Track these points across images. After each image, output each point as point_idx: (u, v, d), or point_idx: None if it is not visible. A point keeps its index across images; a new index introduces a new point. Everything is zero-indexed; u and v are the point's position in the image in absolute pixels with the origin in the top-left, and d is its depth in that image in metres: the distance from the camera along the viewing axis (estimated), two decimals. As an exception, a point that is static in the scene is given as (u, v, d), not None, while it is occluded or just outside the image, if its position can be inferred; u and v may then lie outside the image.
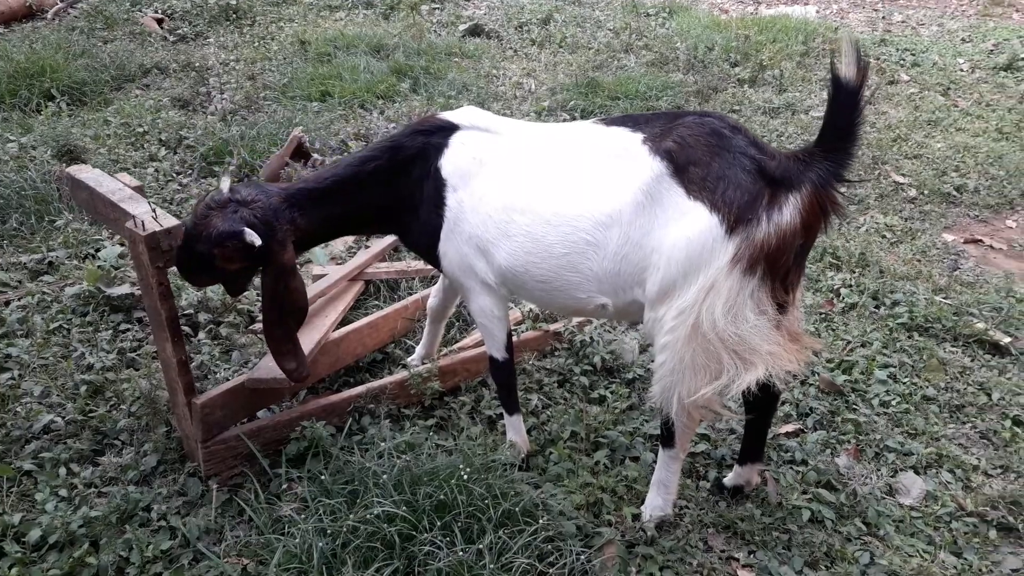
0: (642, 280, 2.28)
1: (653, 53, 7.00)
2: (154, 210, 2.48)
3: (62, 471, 2.76)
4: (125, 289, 3.54)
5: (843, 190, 2.19)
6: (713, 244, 2.13)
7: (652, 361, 3.34)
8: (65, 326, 3.44)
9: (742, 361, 2.19)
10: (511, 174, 2.44)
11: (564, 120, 5.68)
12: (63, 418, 2.96)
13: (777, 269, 2.16)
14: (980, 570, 2.55)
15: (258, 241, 2.37)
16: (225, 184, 2.55)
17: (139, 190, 2.68)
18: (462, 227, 2.49)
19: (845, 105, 2.06)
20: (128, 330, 3.46)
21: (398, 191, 2.60)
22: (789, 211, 2.11)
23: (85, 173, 2.76)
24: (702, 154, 2.17)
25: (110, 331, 3.42)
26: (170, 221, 2.47)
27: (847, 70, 2.02)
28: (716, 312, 2.14)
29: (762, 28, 7.50)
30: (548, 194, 2.36)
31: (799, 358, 2.28)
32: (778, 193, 2.12)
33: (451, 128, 2.55)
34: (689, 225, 2.15)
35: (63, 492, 2.68)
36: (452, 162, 2.50)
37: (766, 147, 2.22)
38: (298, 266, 2.61)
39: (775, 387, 2.42)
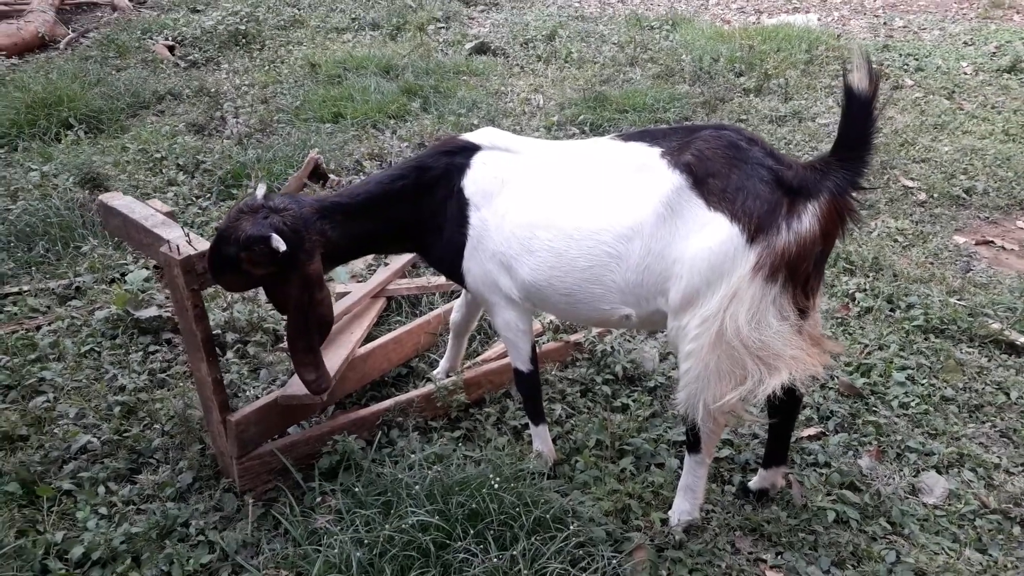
0: (665, 290, 2.34)
1: (658, 66, 7.09)
2: (187, 234, 2.56)
3: (101, 490, 2.82)
4: (153, 311, 3.62)
5: (859, 197, 2.24)
6: (735, 253, 2.19)
7: (673, 369, 3.43)
8: (96, 349, 3.51)
9: (766, 366, 2.25)
10: (533, 191, 2.51)
11: (574, 134, 5.76)
12: (99, 439, 3.03)
13: (798, 276, 2.22)
14: (1005, 566, 2.59)
15: (283, 246, 2.40)
16: (261, 190, 2.61)
17: (170, 215, 2.76)
18: (486, 244, 2.56)
19: (859, 115, 2.13)
20: (157, 351, 3.53)
21: (422, 210, 2.67)
22: (808, 219, 2.17)
23: (117, 200, 2.84)
24: (720, 166, 2.24)
25: (140, 353, 3.49)
26: (203, 244, 2.55)
27: (860, 81, 2.08)
28: (740, 319, 2.20)
29: (765, 38, 7.58)
30: (570, 209, 2.42)
31: (821, 361, 2.34)
32: (796, 202, 2.19)
33: (473, 148, 2.63)
34: (710, 235, 2.21)
35: (103, 510, 2.75)
36: (475, 182, 2.57)
37: (782, 157, 2.29)
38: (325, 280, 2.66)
39: (798, 391, 2.47)
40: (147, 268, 4.02)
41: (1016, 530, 2.71)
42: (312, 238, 2.53)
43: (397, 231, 2.73)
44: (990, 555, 2.63)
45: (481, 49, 7.69)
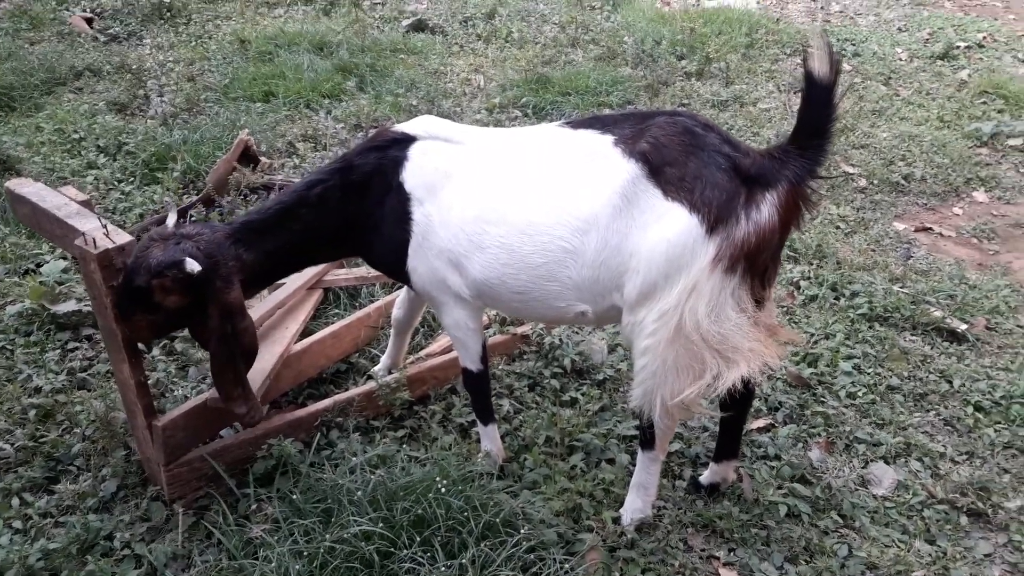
0: (620, 284, 2.25)
1: (600, 47, 6.99)
2: (105, 226, 2.36)
3: (15, 501, 2.62)
4: (72, 306, 3.38)
5: (816, 186, 2.19)
6: (694, 245, 2.11)
7: (622, 361, 3.36)
8: (8, 347, 3.27)
9: (724, 360, 2.19)
10: (480, 184, 2.38)
11: (516, 117, 5.63)
12: (12, 445, 2.81)
13: (757, 267, 2.17)
14: (954, 557, 2.59)
15: (198, 267, 2.25)
16: (171, 218, 2.46)
17: (87, 204, 2.54)
18: (432, 241, 2.42)
19: (819, 102, 2.07)
20: (77, 349, 3.30)
21: (356, 211, 2.52)
22: (767, 209, 2.11)
23: (26, 187, 2.61)
24: (677, 154, 2.15)
25: (58, 351, 3.26)
26: (123, 237, 2.36)
27: (820, 67, 2.01)
28: (699, 313, 2.13)
29: (706, 20, 7.54)
30: (521, 203, 2.30)
31: (778, 352, 2.29)
32: (755, 191, 2.12)
33: (408, 140, 2.48)
34: (668, 227, 2.13)
35: (17, 524, 2.55)
36: (415, 175, 2.43)
37: (739, 144, 2.22)
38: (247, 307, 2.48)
39: (752, 384, 2.42)
40: (64, 258, 3.76)
41: (963, 520, 2.73)
42: (228, 264, 2.38)
43: (327, 239, 2.57)
44: (939, 546, 2.64)
45: (419, 26, 7.47)
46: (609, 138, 2.27)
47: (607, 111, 5.79)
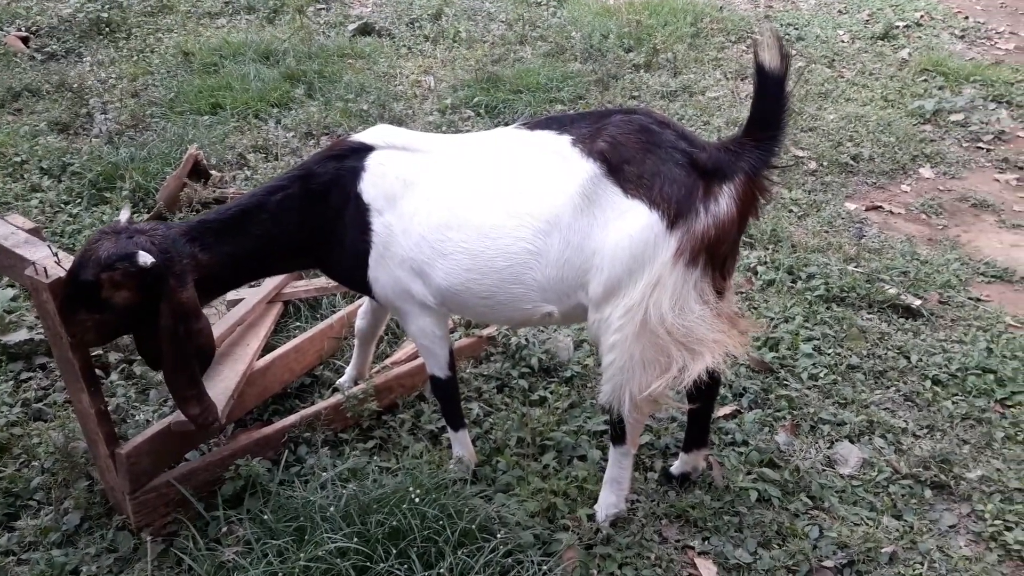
0: (584, 283, 2.26)
1: (549, 44, 7.00)
2: (56, 254, 2.30)
3: (-26, 541, 2.55)
4: (23, 335, 3.29)
5: (772, 176, 2.22)
6: (655, 240, 2.13)
7: (588, 357, 3.37)
8: (-42, 381, 3.18)
9: (690, 352, 2.21)
10: (440, 190, 2.36)
11: (469, 117, 5.62)
12: (-32, 483, 2.73)
13: (717, 258, 2.20)
14: (921, 530, 2.65)
15: (151, 260, 2.17)
16: (124, 214, 2.39)
17: (35, 232, 2.48)
18: (393, 251, 2.40)
19: (771, 94, 2.10)
20: (31, 379, 3.22)
21: (314, 221, 2.48)
22: (725, 201, 2.14)
23: (-31, 218, 2.54)
24: (635, 152, 2.17)
25: (11, 382, 3.17)
26: (73, 263, 2.29)
27: (771, 60, 2.04)
28: (663, 306, 2.15)
29: (651, 12, 7.59)
30: (482, 207, 2.30)
31: (741, 342, 2.31)
32: (712, 184, 2.15)
33: (366, 149, 2.45)
34: (630, 223, 2.15)
35: (-23, 564, 2.48)
36: (374, 185, 2.40)
37: (695, 139, 2.24)
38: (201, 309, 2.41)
39: (716, 373, 2.45)
40: (12, 287, 3.66)
41: (927, 493, 2.79)
42: (183, 261, 2.31)
43: (286, 248, 2.52)
44: (906, 520, 2.69)
45: (365, 30, 7.40)
46: (567, 138, 2.27)
47: (559, 107, 5.80)
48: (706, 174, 2.16)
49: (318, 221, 2.47)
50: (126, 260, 2.18)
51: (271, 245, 2.49)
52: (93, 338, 2.35)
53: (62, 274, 2.25)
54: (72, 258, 2.32)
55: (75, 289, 2.22)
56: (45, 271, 2.25)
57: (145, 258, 2.17)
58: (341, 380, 3.16)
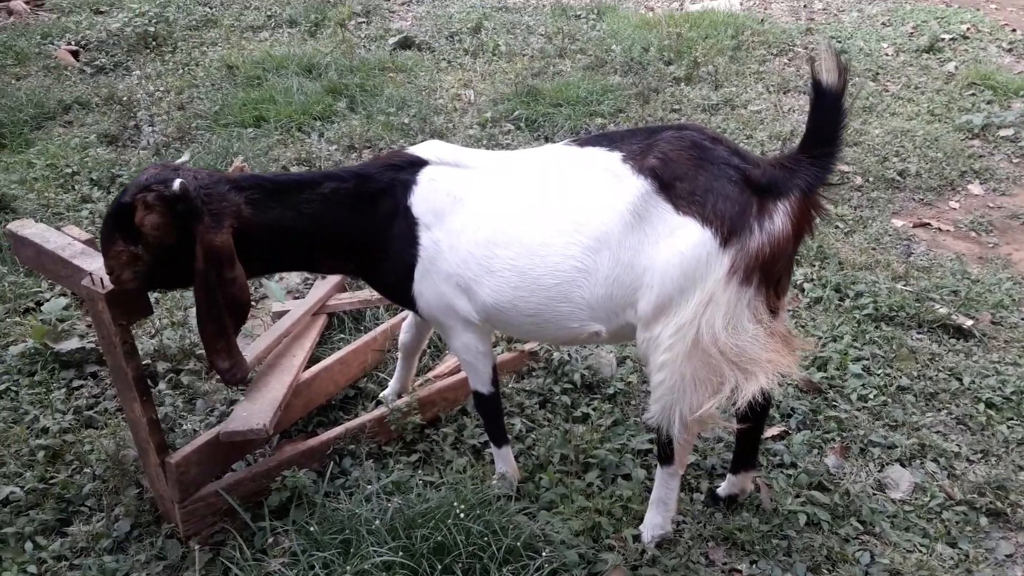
0: (633, 301, 2.23)
1: (588, 57, 7.00)
2: (111, 265, 2.33)
3: (28, 545, 2.59)
4: (75, 343, 3.35)
5: (827, 193, 2.19)
6: (708, 258, 2.11)
7: (632, 374, 3.34)
8: (12, 388, 3.24)
9: (743, 372, 2.17)
10: (489, 207, 2.35)
11: (509, 130, 5.63)
12: (22, 488, 2.78)
13: (771, 276, 2.17)
14: (976, 559, 2.58)
15: (181, 184, 2.15)
16: (184, 157, 2.40)
17: (90, 243, 2.53)
18: (439, 266, 2.39)
19: (828, 110, 2.07)
20: (82, 387, 3.27)
21: (361, 224, 2.45)
22: (780, 218, 2.11)
23: (28, 229, 2.60)
24: (687, 168, 2.15)
25: (63, 390, 3.23)
26: (129, 276, 2.33)
27: (828, 75, 2.01)
28: (716, 325, 2.12)
29: (691, 25, 7.57)
30: (531, 224, 2.29)
31: (794, 361, 2.28)
32: (766, 201, 2.12)
33: (420, 164, 2.45)
34: (681, 241, 2.13)
35: (31, 568, 2.52)
36: (424, 200, 2.39)
37: (748, 155, 2.22)
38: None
39: (768, 393, 2.41)
40: (65, 296, 3.74)
41: (983, 520, 2.72)
42: (222, 204, 2.23)
43: (326, 241, 2.45)
44: (960, 548, 2.62)
45: (405, 44, 7.47)
46: (617, 155, 2.26)
47: (599, 121, 5.79)
48: (760, 191, 2.13)
49: (364, 225, 2.43)
50: (161, 183, 2.16)
51: (313, 228, 2.40)
52: (129, 277, 2.26)
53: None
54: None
55: (114, 214, 2.20)
56: (102, 282, 2.28)
57: (178, 185, 2.15)
58: (384, 393, 3.17)
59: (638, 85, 6.29)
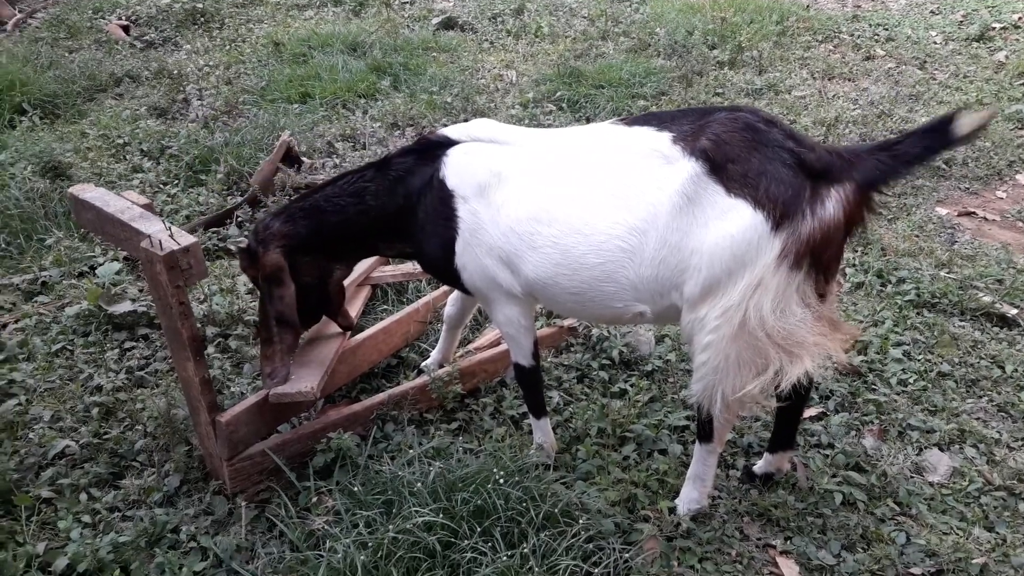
0: (680, 283, 2.24)
1: (632, 39, 6.98)
2: (169, 228, 2.41)
3: (83, 497, 2.69)
4: (127, 306, 3.45)
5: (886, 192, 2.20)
6: (759, 241, 2.10)
7: (670, 352, 3.37)
8: (68, 347, 3.35)
9: (788, 355, 2.18)
10: (533, 183, 2.38)
11: (551, 111, 5.64)
12: (77, 442, 2.88)
13: (822, 262, 2.16)
14: (1014, 544, 2.58)
15: (240, 244, 2.54)
16: None
17: (148, 207, 2.60)
18: (480, 238, 2.44)
19: (933, 143, 2.08)
20: (134, 348, 3.37)
21: (398, 208, 2.59)
22: (832, 205, 2.10)
23: (89, 193, 2.67)
24: (740, 151, 2.14)
25: (116, 350, 3.34)
26: (186, 239, 2.41)
27: (964, 127, 2.01)
28: (764, 308, 2.12)
29: (736, 9, 7.50)
30: (576, 202, 2.30)
31: (841, 346, 2.28)
32: (820, 186, 2.11)
33: (449, 143, 2.54)
34: (732, 223, 2.12)
35: (86, 518, 2.62)
36: (458, 173, 2.46)
37: (804, 139, 2.21)
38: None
39: (811, 376, 2.41)
40: (118, 260, 3.85)
41: (1022, 506, 2.71)
42: (266, 233, 2.66)
43: (370, 228, 2.67)
44: (998, 533, 2.62)
45: (448, 24, 7.51)
46: (667, 135, 2.25)
47: (641, 103, 5.78)
48: (814, 175, 2.11)
49: (403, 209, 2.59)
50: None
51: (357, 223, 2.66)
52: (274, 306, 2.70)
53: (176, 247, 2.36)
54: (184, 234, 2.43)
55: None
56: (160, 244, 2.36)
57: (238, 243, 2.47)
58: (426, 363, 3.23)
59: (681, 68, 6.26)
